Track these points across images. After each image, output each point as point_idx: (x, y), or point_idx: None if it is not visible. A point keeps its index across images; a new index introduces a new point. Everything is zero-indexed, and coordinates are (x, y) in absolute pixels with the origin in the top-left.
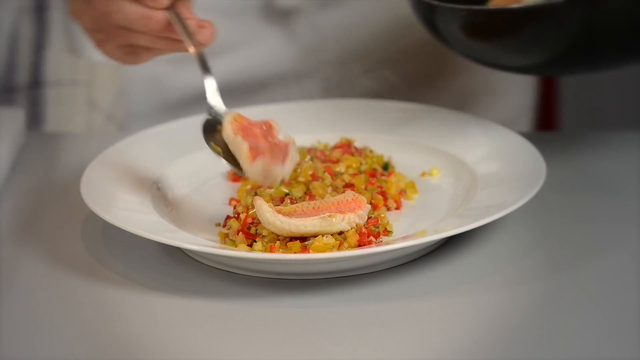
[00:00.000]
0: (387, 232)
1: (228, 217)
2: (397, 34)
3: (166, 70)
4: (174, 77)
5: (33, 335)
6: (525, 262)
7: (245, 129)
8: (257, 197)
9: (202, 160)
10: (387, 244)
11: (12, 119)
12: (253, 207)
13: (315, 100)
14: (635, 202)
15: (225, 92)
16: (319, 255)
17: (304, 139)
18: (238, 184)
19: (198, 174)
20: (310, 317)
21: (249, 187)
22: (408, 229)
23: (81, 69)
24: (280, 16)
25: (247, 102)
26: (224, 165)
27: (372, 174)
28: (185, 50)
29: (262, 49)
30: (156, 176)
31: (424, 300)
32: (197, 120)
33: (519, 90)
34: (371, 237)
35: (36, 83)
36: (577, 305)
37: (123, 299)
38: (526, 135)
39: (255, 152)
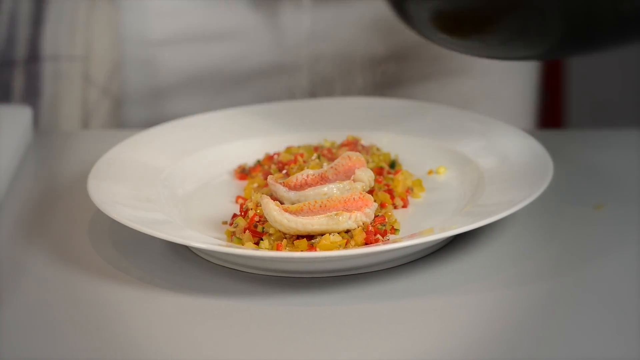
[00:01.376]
0: (394, 230)
1: (235, 215)
2: (392, 32)
3: (159, 52)
4: (167, 59)
5: (40, 333)
6: (532, 261)
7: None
8: (264, 195)
9: (209, 158)
10: (394, 242)
11: (19, 116)
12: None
13: (322, 98)
14: None
15: (215, 80)
16: (326, 254)
17: (311, 137)
18: (245, 182)
19: (204, 172)
20: (317, 315)
21: (255, 185)
22: (415, 227)
23: (78, 44)
24: (269, 6)
25: (237, 91)
26: None
27: (379, 172)
28: None
29: (253, 39)
30: (163, 174)
31: (431, 298)
32: (203, 119)
33: (518, 90)
34: (378, 235)
35: (33, 58)
36: (584, 305)
37: (129, 297)
38: (534, 134)
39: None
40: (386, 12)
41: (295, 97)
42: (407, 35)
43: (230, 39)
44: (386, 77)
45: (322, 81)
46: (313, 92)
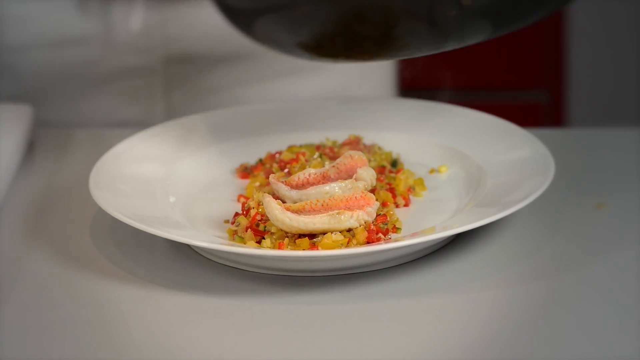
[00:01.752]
0: (396, 229)
1: (237, 214)
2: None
3: (20, 58)
4: (28, 65)
5: (41, 332)
6: (534, 259)
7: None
8: (265, 194)
9: (211, 157)
10: (395, 241)
11: (20, 115)
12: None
13: (325, 98)
14: None
15: (76, 84)
16: (328, 253)
17: (313, 136)
18: (247, 181)
19: (206, 170)
20: (319, 314)
21: (257, 184)
22: (417, 226)
23: None
24: (101, 8)
25: (97, 94)
26: None
27: (381, 170)
28: None
29: (107, 43)
30: (165, 173)
31: (432, 297)
32: (204, 118)
33: (375, 87)
34: (380, 234)
35: None
36: (585, 304)
37: (131, 296)
38: (535, 132)
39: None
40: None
41: (153, 98)
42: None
43: (86, 43)
44: (242, 75)
45: (176, 82)
46: (169, 94)
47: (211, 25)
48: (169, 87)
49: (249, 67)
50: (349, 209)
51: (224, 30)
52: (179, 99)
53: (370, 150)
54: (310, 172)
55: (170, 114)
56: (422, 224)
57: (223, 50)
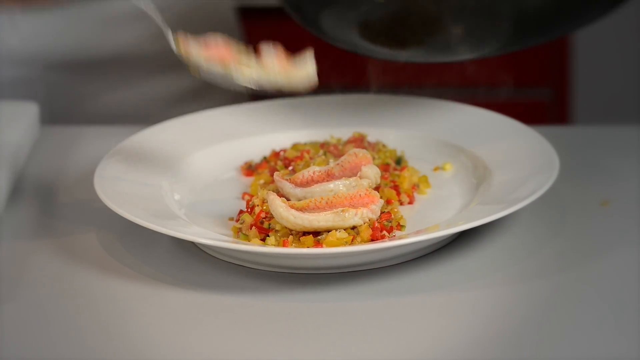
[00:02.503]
0: (400, 227)
1: (241, 212)
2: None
3: None
4: None
5: (45, 329)
6: (538, 257)
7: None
8: (270, 192)
9: (215, 155)
10: (399, 238)
11: (26, 112)
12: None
13: (328, 95)
14: None
15: None
16: (332, 250)
17: (317, 134)
18: (251, 179)
19: (211, 168)
20: (323, 311)
21: (262, 181)
22: (421, 224)
23: None
24: None
25: None
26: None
27: (385, 168)
28: None
29: None
30: (169, 171)
31: (436, 294)
32: (208, 116)
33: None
34: (384, 232)
35: None
36: (589, 302)
37: (136, 293)
38: (539, 130)
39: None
40: (116, 10)
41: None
42: (129, 33)
43: None
44: (113, 80)
45: (57, 90)
46: (50, 102)
47: (81, 32)
48: (50, 95)
49: (117, 69)
50: (353, 206)
51: (90, 37)
52: (60, 106)
53: (374, 147)
54: (315, 169)
55: (52, 121)
56: (426, 221)
57: (93, 56)
